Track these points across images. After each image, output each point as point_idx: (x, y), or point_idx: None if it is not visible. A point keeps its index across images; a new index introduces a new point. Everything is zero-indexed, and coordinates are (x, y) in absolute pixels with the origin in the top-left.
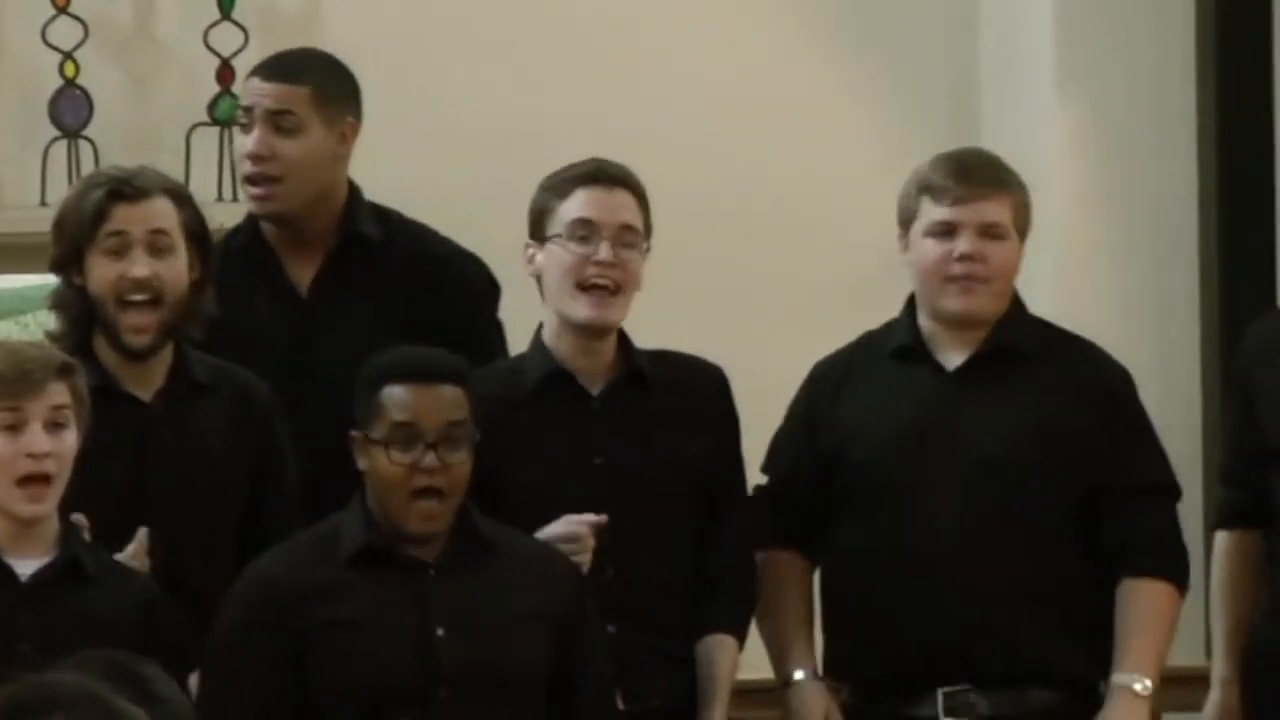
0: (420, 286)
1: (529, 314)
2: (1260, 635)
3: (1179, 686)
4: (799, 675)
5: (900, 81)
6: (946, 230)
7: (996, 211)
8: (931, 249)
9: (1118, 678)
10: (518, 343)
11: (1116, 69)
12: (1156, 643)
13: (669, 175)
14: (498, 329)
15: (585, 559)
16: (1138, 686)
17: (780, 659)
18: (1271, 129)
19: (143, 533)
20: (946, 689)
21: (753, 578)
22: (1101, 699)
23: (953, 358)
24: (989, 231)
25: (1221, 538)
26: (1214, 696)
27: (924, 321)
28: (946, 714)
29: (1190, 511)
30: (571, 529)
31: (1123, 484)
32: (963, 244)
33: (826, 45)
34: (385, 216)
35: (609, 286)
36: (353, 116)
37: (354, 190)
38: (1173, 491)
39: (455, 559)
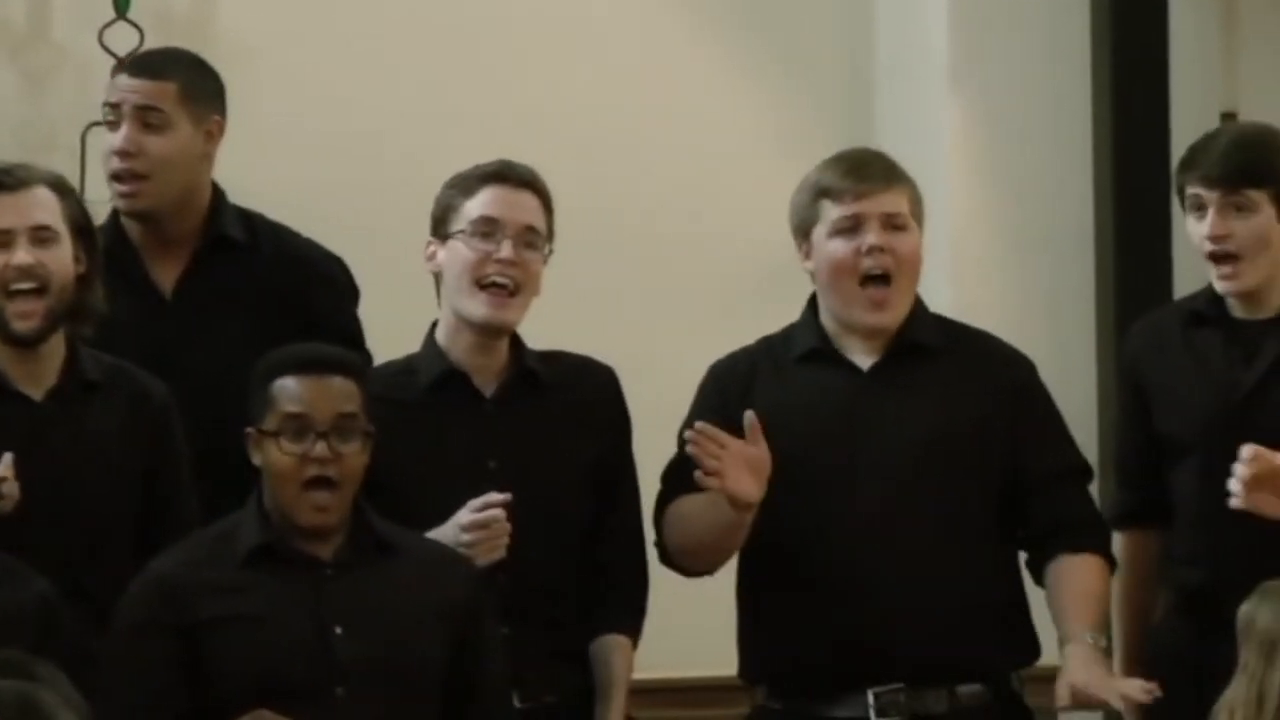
0: (287, 288)
1: (422, 311)
2: (1165, 628)
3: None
4: None
5: (795, 78)
6: (852, 226)
7: (896, 202)
8: (839, 247)
9: (1072, 634)
10: (410, 340)
11: (1010, 64)
12: (1101, 610)
13: (565, 174)
14: (361, 330)
15: (504, 541)
16: (1090, 639)
17: None
18: (1167, 123)
19: (8, 457)
20: (877, 689)
21: (644, 577)
22: (1015, 692)
23: (863, 358)
24: (892, 222)
25: (1116, 540)
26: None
27: (829, 322)
28: (879, 714)
29: None
30: (485, 515)
31: (1043, 470)
32: (871, 237)
33: (721, 42)
34: (248, 218)
35: (508, 286)
36: (218, 115)
37: (217, 191)
38: (1089, 473)
39: (352, 557)
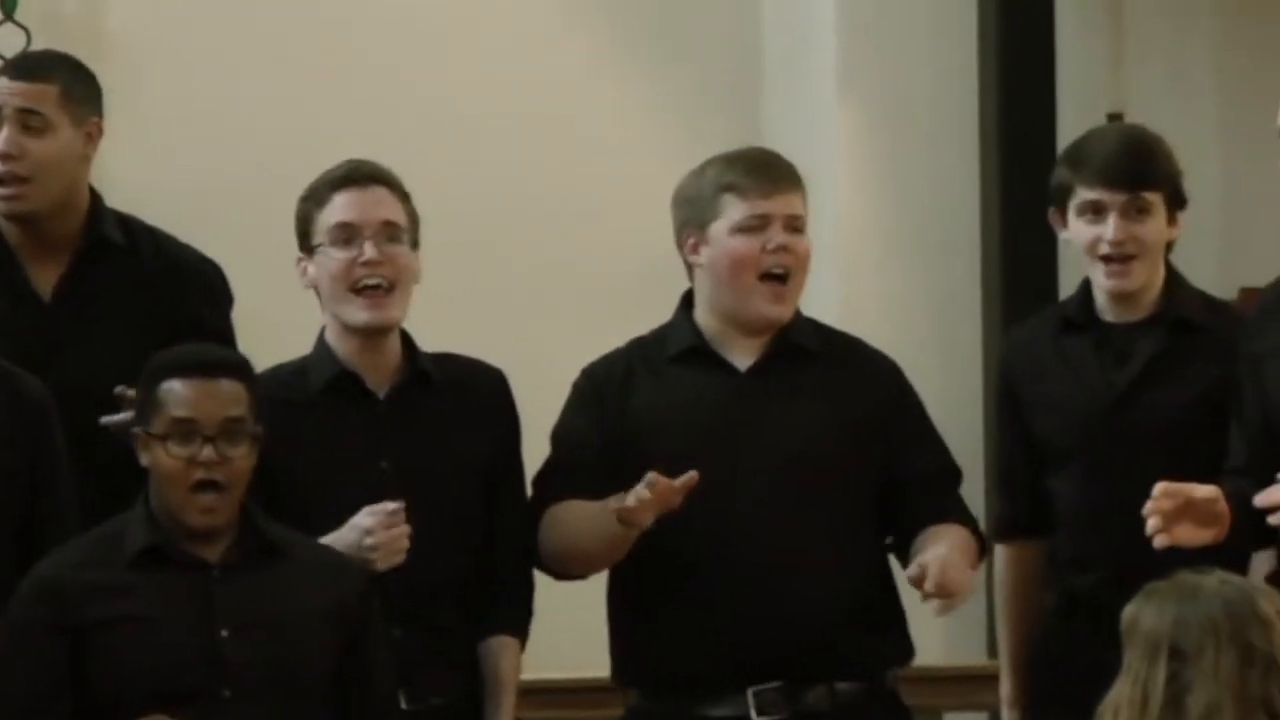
0: (166, 292)
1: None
2: (1051, 631)
3: (960, 684)
4: None
5: (684, 80)
6: (759, 224)
7: (798, 205)
8: (743, 243)
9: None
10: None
11: (899, 67)
12: (963, 544)
13: (451, 175)
14: (234, 335)
15: (405, 545)
16: (945, 545)
17: None
18: (1054, 125)
19: None
20: (756, 687)
21: (531, 579)
22: (892, 691)
23: (741, 359)
24: (793, 224)
25: (999, 552)
26: (1006, 715)
27: (707, 322)
28: (759, 713)
29: (972, 509)
30: (386, 518)
31: (914, 473)
32: (777, 236)
33: (608, 42)
34: (125, 221)
35: (382, 285)
36: (97, 116)
37: (94, 194)
38: (958, 475)
39: (240, 560)
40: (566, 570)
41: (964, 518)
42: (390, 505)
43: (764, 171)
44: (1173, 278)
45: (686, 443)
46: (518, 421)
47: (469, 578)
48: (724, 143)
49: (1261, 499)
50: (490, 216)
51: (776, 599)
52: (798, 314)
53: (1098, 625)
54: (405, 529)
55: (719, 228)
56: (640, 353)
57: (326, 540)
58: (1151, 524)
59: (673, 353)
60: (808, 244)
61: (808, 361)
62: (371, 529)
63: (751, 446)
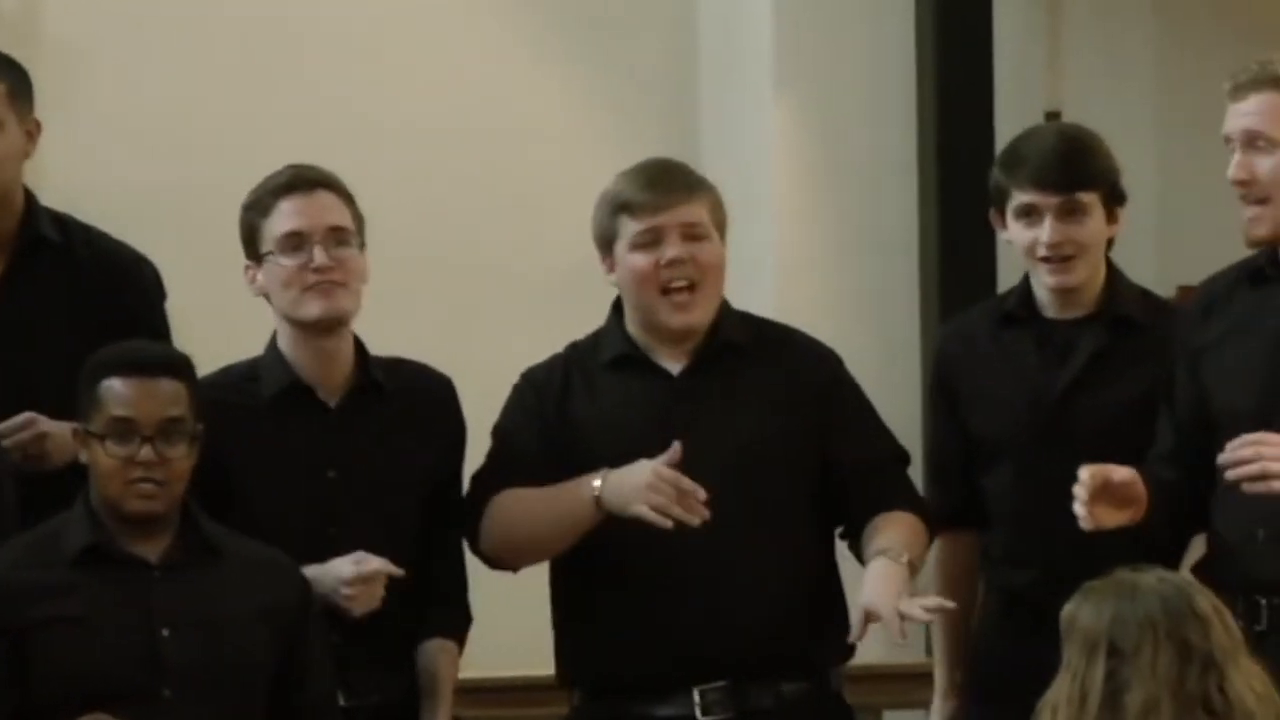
0: (103, 289)
1: (252, 310)
2: (984, 646)
3: (899, 683)
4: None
5: (620, 80)
6: (652, 240)
7: (694, 212)
8: (640, 260)
9: (876, 550)
10: (239, 340)
11: (835, 68)
12: (912, 537)
13: (388, 180)
14: (169, 331)
15: (380, 594)
16: (892, 554)
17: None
18: (991, 123)
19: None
20: (702, 686)
21: (464, 577)
22: (835, 689)
23: (672, 363)
24: (691, 232)
25: (935, 544)
26: (937, 704)
27: (635, 329)
28: (704, 713)
29: None
30: (368, 571)
31: (859, 460)
32: (670, 250)
33: (543, 46)
34: (60, 219)
35: (334, 286)
36: (34, 115)
37: (29, 193)
38: (906, 459)
39: (180, 559)
40: (515, 557)
41: (911, 501)
42: (372, 565)
43: (653, 186)
44: (1114, 275)
45: (624, 448)
46: (464, 428)
47: (409, 583)
48: (661, 141)
49: (1224, 456)
50: (426, 219)
51: (719, 599)
52: (725, 310)
53: (1035, 623)
54: (380, 587)
55: (620, 247)
56: (576, 358)
57: (307, 573)
58: (1077, 508)
59: (606, 359)
60: (712, 248)
61: (740, 359)
62: (350, 581)
63: (688, 449)
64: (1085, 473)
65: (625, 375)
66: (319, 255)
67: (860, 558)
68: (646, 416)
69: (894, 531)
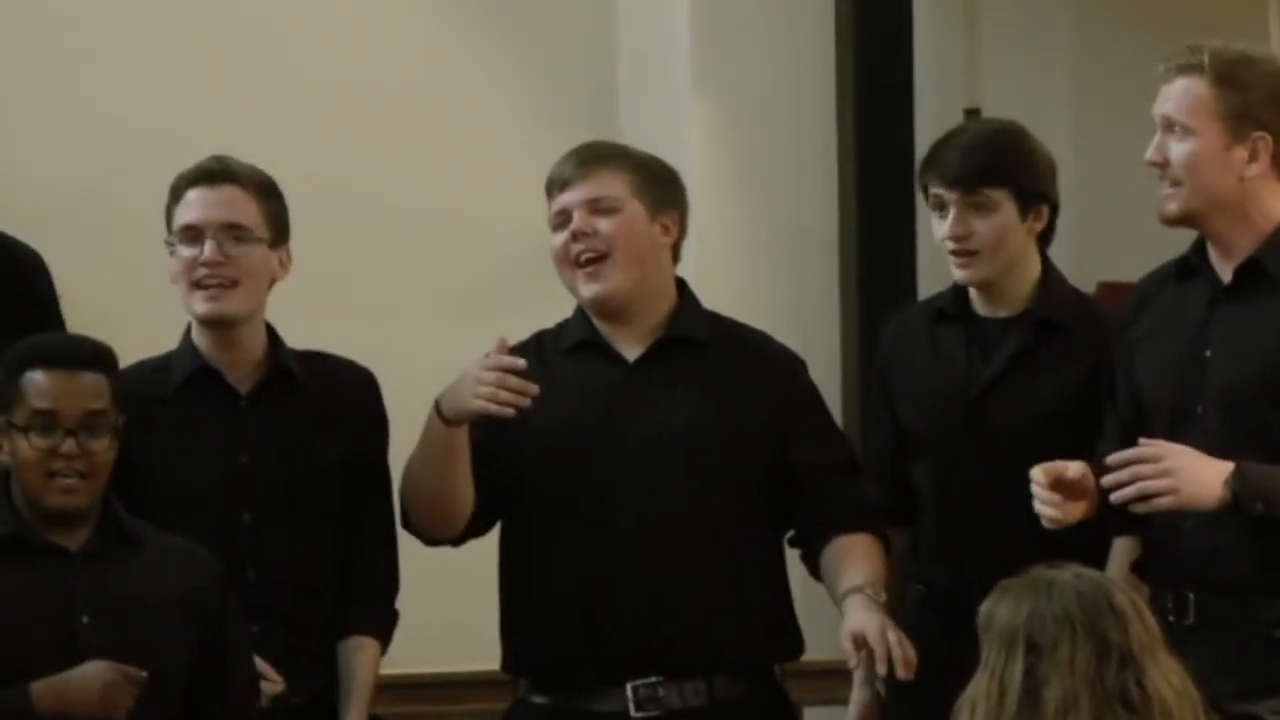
0: (14, 279)
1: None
2: (912, 624)
3: (819, 679)
4: None
5: (540, 78)
6: (565, 220)
7: (601, 187)
8: (556, 239)
9: (850, 586)
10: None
11: (755, 64)
12: (878, 570)
13: (314, 173)
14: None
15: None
16: (870, 591)
17: None
18: (911, 121)
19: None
20: (635, 682)
21: (395, 578)
22: (777, 685)
23: (630, 350)
24: (596, 206)
25: None
26: (856, 696)
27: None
28: (637, 708)
29: None
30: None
31: (812, 464)
32: (573, 223)
33: (468, 43)
34: None
35: (222, 284)
36: None
37: None
38: (859, 467)
39: (100, 548)
40: (427, 515)
41: (865, 514)
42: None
43: (564, 165)
44: (1048, 275)
45: (566, 432)
46: (385, 422)
47: (329, 577)
48: (580, 141)
49: (1106, 479)
50: (351, 215)
51: (653, 593)
52: (689, 304)
53: (955, 620)
54: (280, 688)
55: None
56: (537, 345)
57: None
58: (1039, 508)
59: (565, 346)
60: (620, 219)
61: (697, 353)
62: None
63: (630, 437)
64: (1038, 472)
65: (581, 359)
66: (208, 250)
67: (814, 571)
68: (592, 401)
69: (865, 566)
